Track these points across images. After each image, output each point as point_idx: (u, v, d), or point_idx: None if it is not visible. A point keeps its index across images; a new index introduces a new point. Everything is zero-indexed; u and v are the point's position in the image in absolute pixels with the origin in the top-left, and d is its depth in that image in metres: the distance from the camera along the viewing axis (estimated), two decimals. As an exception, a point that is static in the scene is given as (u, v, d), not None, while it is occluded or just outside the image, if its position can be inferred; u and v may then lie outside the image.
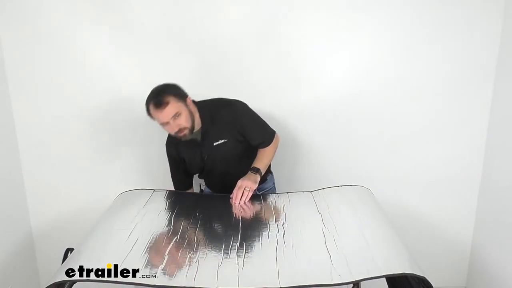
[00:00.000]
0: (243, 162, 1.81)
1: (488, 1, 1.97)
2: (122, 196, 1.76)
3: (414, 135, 2.16)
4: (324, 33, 2.01)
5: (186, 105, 1.67)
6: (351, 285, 1.20)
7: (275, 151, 1.86)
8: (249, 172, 1.75)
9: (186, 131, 1.66)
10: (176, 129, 1.63)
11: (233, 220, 1.52)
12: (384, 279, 1.25)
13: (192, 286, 1.10)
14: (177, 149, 1.82)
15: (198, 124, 1.74)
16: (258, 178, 1.74)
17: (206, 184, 2.00)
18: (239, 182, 1.70)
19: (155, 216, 1.55)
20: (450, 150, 2.17)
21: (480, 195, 2.22)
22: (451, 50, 2.04)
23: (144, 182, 2.04)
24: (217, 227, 1.49)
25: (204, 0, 1.95)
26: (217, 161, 1.81)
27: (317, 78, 2.07)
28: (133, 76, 2.04)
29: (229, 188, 1.72)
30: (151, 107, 1.62)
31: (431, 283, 1.14)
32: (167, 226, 1.47)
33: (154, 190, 1.80)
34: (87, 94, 2.07)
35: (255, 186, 1.70)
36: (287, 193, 1.77)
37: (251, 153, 1.84)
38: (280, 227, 1.45)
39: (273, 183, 1.99)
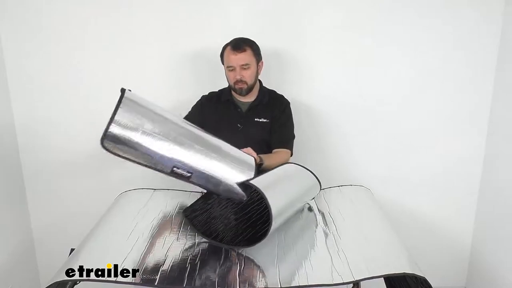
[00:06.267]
0: (261, 151, 1.72)
1: (488, 1, 1.97)
2: (122, 196, 1.76)
3: (414, 135, 2.16)
4: (325, 30, 2.02)
5: (257, 65, 1.76)
6: (351, 285, 1.20)
7: (278, 162, 1.73)
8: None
9: (244, 86, 1.73)
10: (238, 77, 1.71)
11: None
12: (382, 279, 1.25)
13: (193, 286, 1.10)
14: (214, 106, 1.82)
15: (254, 94, 1.80)
16: (257, 161, 1.59)
17: None
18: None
19: (155, 216, 1.55)
20: (450, 150, 2.18)
21: (480, 195, 2.22)
22: (451, 50, 2.04)
23: (144, 182, 2.03)
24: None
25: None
26: (246, 135, 1.77)
27: (317, 78, 2.08)
28: (133, 76, 2.04)
29: None
30: (228, 48, 1.72)
31: (431, 283, 1.14)
32: (168, 226, 1.46)
33: (155, 189, 1.80)
34: (88, 95, 2.07)
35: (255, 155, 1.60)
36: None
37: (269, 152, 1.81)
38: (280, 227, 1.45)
39: None
